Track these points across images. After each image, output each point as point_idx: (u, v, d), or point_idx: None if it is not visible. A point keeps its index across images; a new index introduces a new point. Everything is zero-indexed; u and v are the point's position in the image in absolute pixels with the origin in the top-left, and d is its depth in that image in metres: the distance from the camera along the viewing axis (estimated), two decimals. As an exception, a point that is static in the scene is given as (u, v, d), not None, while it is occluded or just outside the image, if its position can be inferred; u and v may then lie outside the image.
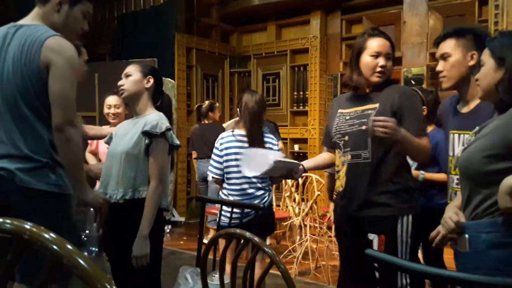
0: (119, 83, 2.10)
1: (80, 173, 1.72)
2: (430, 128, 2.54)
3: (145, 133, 1.96)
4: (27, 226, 0.60)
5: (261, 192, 2.72)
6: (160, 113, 2.07)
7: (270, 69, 6.82)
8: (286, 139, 6.55)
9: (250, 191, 2.71)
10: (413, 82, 5.37)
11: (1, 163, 1.63)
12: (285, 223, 4.63)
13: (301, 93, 6.55)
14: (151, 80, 2.09)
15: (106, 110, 3.24)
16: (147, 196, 1.96)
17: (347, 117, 2.04)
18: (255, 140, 2.68)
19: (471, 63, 1.80)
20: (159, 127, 1.96)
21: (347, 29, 6.30)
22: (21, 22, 1.74)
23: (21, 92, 1.64)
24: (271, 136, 2.83)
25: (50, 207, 1.66)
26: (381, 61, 1.96)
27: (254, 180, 2.69)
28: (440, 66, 1.87)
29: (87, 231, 4.10)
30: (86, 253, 4.59)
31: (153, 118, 2.01)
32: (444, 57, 1.85)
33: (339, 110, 2.10)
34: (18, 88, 1.64)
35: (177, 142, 2.07)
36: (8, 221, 0.62)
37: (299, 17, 6.53)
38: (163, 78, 2.29)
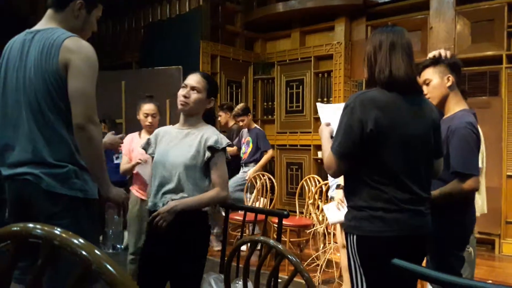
0: (184, 93, 2.09)
1: (102, 170, 1.73)
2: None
3: (209, 148, 2.02)
4: (57, 231, 0.61)
5: None
6: (214, 128, 2.14)
7: (294, 75, 6.81)
8: (309, 145, 6.52)
9: None
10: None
11: (27, 169, 1.66)
12: (308, 231, 4.59)
13: (325, 99, 6.52)
14: (212, 103, 2.18)
15: (142, 117, 3.17)
16: (212, 190, 2.01)
17: None
18: None
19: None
20: (220, 142, 2.04)
21: (372, 35, 6.24)
22: (36, 27, 1.78)
23: (43, 95, 1.67)
24: None
25: (75, 212, 1.68)
26: None
27: None
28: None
29: (112, 228, 4.11)
30: (111, 250, 4.65)
31: (212, 132, 2.07)
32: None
33: None
34: (41, 91, 1.67)
35: (229, 157, 2.14)
36: (39, 226, 0.62)
37: (323, 24, 6.51)
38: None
